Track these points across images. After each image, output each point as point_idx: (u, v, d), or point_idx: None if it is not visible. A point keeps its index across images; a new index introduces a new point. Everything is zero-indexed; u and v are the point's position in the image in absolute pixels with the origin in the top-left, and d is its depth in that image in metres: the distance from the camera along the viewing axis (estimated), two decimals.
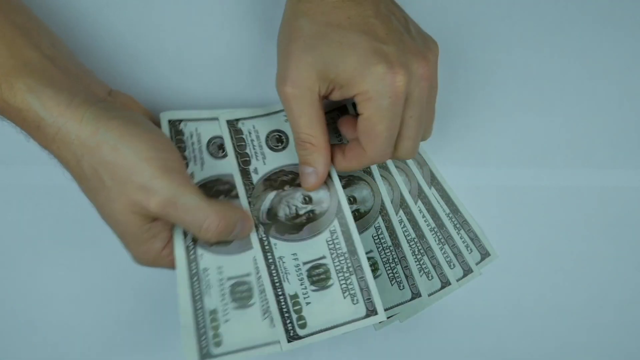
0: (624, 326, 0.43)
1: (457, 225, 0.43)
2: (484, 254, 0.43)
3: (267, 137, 0.39)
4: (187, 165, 0.36)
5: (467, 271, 0.42)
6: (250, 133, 0.38)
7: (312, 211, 0.37)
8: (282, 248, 0.36)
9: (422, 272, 0.42)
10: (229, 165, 0.37)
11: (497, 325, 0.42)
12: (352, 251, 0.36)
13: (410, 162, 0.43)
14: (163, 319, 0.40)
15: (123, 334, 0.41)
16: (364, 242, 0.38)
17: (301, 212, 0.37)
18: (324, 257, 0.36)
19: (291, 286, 0.35)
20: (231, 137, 0.38)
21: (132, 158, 0.30)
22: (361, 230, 0.39)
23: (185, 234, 0.34)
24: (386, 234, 0.42)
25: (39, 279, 0.41)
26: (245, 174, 0.38)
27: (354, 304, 0.35)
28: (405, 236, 0.42)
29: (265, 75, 0.41)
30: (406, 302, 0.41)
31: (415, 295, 0.41)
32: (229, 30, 0.42)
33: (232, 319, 0.34)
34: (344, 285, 0.35)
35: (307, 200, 0.37)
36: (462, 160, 0.43)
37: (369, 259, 0.39)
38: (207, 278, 0.34)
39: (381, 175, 0.42)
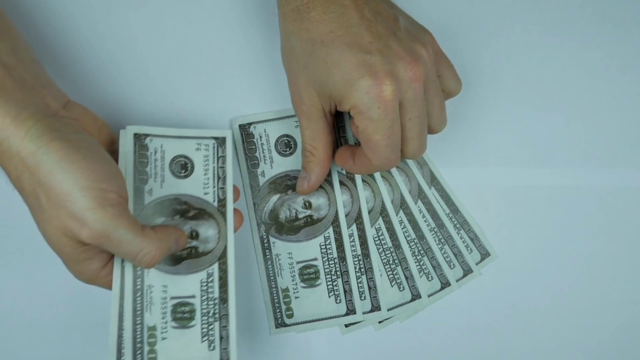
0: (624, 326, 0.43)
1: (457, 226, 0.43)
2: (484, 254, 0.43)
3: (277, 141, 0.41)
4: (146, 181, 0.36)
5: (467, 271, 0.42)
6: (261, 137, 0.41)
7: (310, 216, 0.40)
8: (279, 247, 0.40)
9: (422, 273, 0.42)
10: (189, 186, 0.37)
11: (497, 325, 0.43)
12: (342, 257, 0.40)
13: (410, 162, 0.43)
14: None
15: None
16: (308, 250, 0.40)
17: (300, 215, 0.40)
18: (315, 259, 0.40)
19: (284, 281, 0.40)
20: (242, 141, 0.40)
21: (68, 186, 0.29)
22: (310, 237, 0.40)
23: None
24: (386, 235, 0.42)
25: (39, 279, 0.41)
26: (253, 176, 0.40)
27: (337, 303, 0.39)
28: (405, 237, 0.42)
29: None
30: (406, 303, 0.41)
31: (415, 296, 0.41)
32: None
33: (170, 337, 0.34)
34: (330, 286, 0.40)
35: (307, 205, 0.40)
36: (462, 160, 0.43)
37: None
38: (150, 295, 0.35)
39: (381, 176, 0.42)
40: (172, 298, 0.35)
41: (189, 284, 0.35)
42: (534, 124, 0.43)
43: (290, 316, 0.40)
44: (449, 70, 0.37)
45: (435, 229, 0.42)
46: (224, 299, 0.36)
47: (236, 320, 0.35)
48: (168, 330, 0.35)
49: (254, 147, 0.40)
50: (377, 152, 0.33)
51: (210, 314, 0.35)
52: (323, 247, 0.40)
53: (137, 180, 0.36)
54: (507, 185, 0.43)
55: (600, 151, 0.44)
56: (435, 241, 0.42)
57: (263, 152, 0.40)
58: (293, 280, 0.40)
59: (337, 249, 0.41)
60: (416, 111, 0.33)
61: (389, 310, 0.41)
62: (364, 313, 0.41)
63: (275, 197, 0.41)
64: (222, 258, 0.36)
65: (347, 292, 0.41)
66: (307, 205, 0.40)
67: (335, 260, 0.41)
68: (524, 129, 0.43)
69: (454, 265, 0.42)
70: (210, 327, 0.35)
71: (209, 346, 0.35)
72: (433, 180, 0.43)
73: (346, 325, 0.41)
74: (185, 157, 0.37)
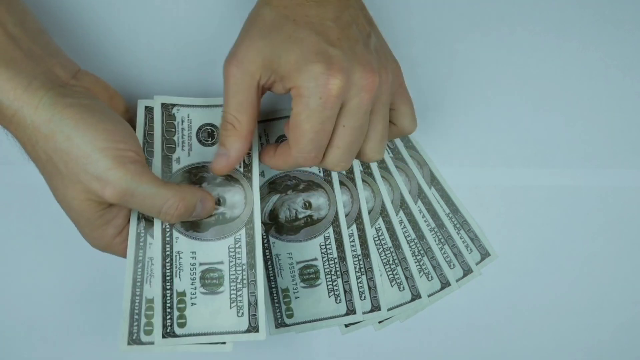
0: (624, 326, 0.43)
1: (457, 225, 0.43)
2: (484, 254, 0.43)
3: (200, 129, 0.38)
4: (174, 150, 0.36)
5: (467, 271, 0.42)
6: (183, 121, 0.38)
7: (310, 216, 0.40)
8: (279, 247, 0.40)
9: (422, 272, 0.42)
10: None
11: (497, 325, 0.43)
12: (342, 257, 0.39)
13: (410, 162, 0.43)
14: None
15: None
16: (308, 250, 0.40)
17: (300, 216, 0.40)
18: (315, 259, 0.40)
19: (284, 281, 0.39)
20: (162, 121, 0.38)
21: (86, 148, 0.30)
22: (309, 237, 0.40)
23: (138, 220, 0.35)
24: (386, 235, 0.42)
25: (39, 278, 0.41)
26: (166, 161, 0.37)
27: (337, 303, 0.39)
28: (405, 237, 0.42)
29: None
30: (406, 303, 0.41)
31: (415, 296, 0.41)
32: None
33: (199, 303, 0.34)
34: (329, 286, 0.39)
35: (307, 205, 0.40)
36: (462, 160, 0.43)
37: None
38: (179, 261, 0.35)
39: (382, 176, 0.42)
40: (201, 264, 0.35)
41: (217, 250, 0.35)
42: (534, 124, 0.43)
43: (290, 316, 0.39)
44: (407, 106, 0.36)
45: (435, 229, 0.42)
46: (251, 265, 0.36)
47: (264, 286, 0.35)
48: (197, 296, 0.35)
49: (173, 129, 0.38)
50: (301, 142, 0.32)
51: (239, 280, 0.36)
52: (323, 247, 0.40)
53: (165, 149, 0.37)
54: (507, 185, 0.43)
55: (600, 151, 0.44)
56: (435, 241, 0.42)
57: (182, 138, 0.38)
58: (293, 281, 0.40)
59: (337, 249, 0.41)
60: (353, 122, 0.32)
61: (389, 310, 0.41)
62: (364, 313, 0.41)
63: (275, 197, 0.40)
64: (249, 224, 0.36)
65: (347, 292, 0.41)
66: (307, 205, 0.40)
67: (335, 260, 0.41)
68: (524, 129, 0.43)
69: (454, 265, 0.42)
70: (239, 293, 0.35)
71: (238, 312, 0.35)
72: (433, 180, 0.43)
73: (346, 325, 0.41)
74: (212, 125, 0.38)
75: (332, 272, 0.40)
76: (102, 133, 0.30)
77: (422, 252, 0.42)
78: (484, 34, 0.43)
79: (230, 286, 0.35)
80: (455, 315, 0.42)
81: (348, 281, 0.40)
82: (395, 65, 0.36)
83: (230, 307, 0.35)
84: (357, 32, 0.33)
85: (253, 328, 0.35)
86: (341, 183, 0.41)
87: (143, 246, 0.35)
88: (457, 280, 0.42)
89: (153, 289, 0.34)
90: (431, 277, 0.42)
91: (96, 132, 0.30)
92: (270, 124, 0.41)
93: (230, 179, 0.37)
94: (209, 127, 0.38)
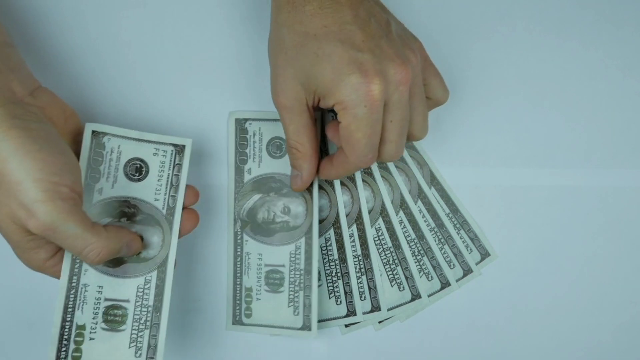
0: (624, 326, 0.43)
1: (457, 225, 0.43)
2: (484, 254, 0.43)
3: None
4: (98, 179, 0.36)
5: (467, 271, 0.42)
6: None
7: (287, 222, 0.40)
8: (251, 246, 0.40)
9: (422, 273, 0.42)
10: (141, 190, 0.37)
11: (497, 325, 0.43)
12: (308, 270, 0.39)
13: (410, 162, 0.43)
14: None
15: None
16: (278, 255, 0.40)
17: (277, 220, 0.40)
18: (283, 266, 0.39)
19: (249, 280, 0.40)
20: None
21: (20, 175, 0.29)
22: (283, 243, 0.40)
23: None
24: (386, 235, 0.42)
25: (39, 279, 0.41)
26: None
27: (295, 315, 0.39)
28: (405, 237, 0.42)
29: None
30: (406, 303, 0.41)
31: (415, 296, 0.41)
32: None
33: (98, 338, 0.35)
34: (291, 296, 0.39)
35: (286, 211, 0.40)
36: (462, 160, 0.43)
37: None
38: (84, 294, 0.35)
39: (381, 176, 0.42)
40: (106, 299, 0.35)
41: (125, 288, 0.36)
42: (534, 124, 0.43)
43: (249, 316, 0.39)
44: (436, 78, 0.37)
45: (435, 229, 0.42)
46: (157, 308, 0.36)
47: (166, 331, 0.35)
48: (97, 331, 0.35)
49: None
50: (356, 149, 0.33)
51: (297, 283, 0.38)
52: (292, 255, 0.39)
53: (88, 178, 0.36)
54: (507, 185, 0.43)
55: (600, 151, 0.44)
56: (435, 241, 0.42)
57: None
58: (258, 282, 0.40)
59: (337, 250, 0.41)
60: (399, 114, 0.33)
61: (388, 310, 0.41)
62: (364, 313, 0.41)
63: (257, 197, 0.40)
64: (162, 267, 0.36)
65: (348, 293, 0.41)
66: (286, 211, 0.40)
67: (336, 262, 0.41)
68: (524, 129, 0.43)
69: (454, 265, 0.42)
70: (140, 334, 0.35)
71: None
72: (433, 180, 0.43)
73: (346, 326, 0.41)
74: (142, 160, 0.37)
75: (296, 283, 0.39)
76: (39, 163, 0.30)
77: (422, 252, 0.42)
78: (483, 34, 0.43)
79: (132, 326, 0.35)
80: (455, 315, 0.42)
81: (349, 282, 0.40)
82: (417, 43, 0.36)
83: (129, 347, 0.35)
84: (377, 25, 0.33)
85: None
86: (342, 183, 0.41)
87: (78, 272, 0.35)
88: (457, 280, 0.42)
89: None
90: (431, 277, 0.42)
91: (34, 160, 0.29)
92: (266, 124, 0.41)
93: (150, 219, 0.37)
94: (137, 162, 0.37)
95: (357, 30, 0.32)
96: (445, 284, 0.42)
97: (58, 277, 0.34)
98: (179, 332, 0.41)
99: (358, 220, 0.41)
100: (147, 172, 0.37)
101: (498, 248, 0.43)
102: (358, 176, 0.42)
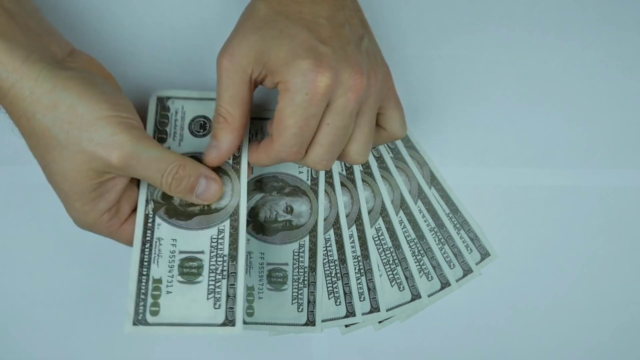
0: (624, 326, 0.43)
1: (457, 225, 0.43)
2: (484, 254, 0.43)
3: (192, 120, 0.38)
4: (165, 140, 0.37)
5: (467, 271, 0.42)
6: (176, 112, 0.38)
7: (289, 221, 0.40)
8: (253, 245, 0.40)
9: (422, 273, 0.42)
10: (207, 143, 0.36)
11: (497, 325, 0.43)
12: (313, 267, 0.39)
13: (410, 162, 0.43)
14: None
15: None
16: (281, 254, 0.40)
17: (280, 219, 0.40)
18: (286, 264, 0.40)
19: (251, 279, 0.39)
20: (156, 112, 0.38)
21: (90, 117, 0.30)
22: (285, 242, 0.40)
23: (146, 202, 0.35)
24: (386, 235, 0.42)
25: (40, 278, 0.41)
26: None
27: (299, 311, 0.39)
28: (405, 237, 0.42)
29: None
30: (406, 303, 0.41)
31: (415, 296, 0.41)
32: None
33: (175, 291, 0.34)
34: (294, 293, 0.39)
35: (289, 210, 0.40)
36: (462, 160, 0.43)
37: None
38: (159, 247, 0.35)
39: (381, 176, 0.42)
40: (181, 252, 0.35)
41: (199, 240, 0.35)
42: (534, 124, 0.43)
43: (251, 315, 0.39)
44: (396, 111, 0.36)
45: (435, 229, 0.42)
46: (233, 257, 0.35)
47: (244, 279, 0.35)
48: (174, 284, 0.34)
49: (166, 120, 0.38)
50: (283, 136, 0.32)
51: (300, 280, 0.39)
52: (296, 254, 0.40)
53: (155, 139, 0.37)
54: (507, 185, 0.43)
55: (600, 151, 0.44)
56: (435, 241, 0.42)
57: (174, 129, 0.38)
58: (260, 281, 0.40)
59: (337, 250, 0.41)
60: (338, 121, 0.32)
61: (388, 310, 0.41)
62: (363, 314, 0.41)
63: (258, 196, 0.40)
64: (234, 215, 0.36)
65: (347, 294, 0.41)
66: (289, 209, 0.40)
67: (336, 263, 0.41)
68: (524, 129, 0.43)
69: (454, 265, 0.42)
70: (218, 284, 0.35)
71: (215, 304, 0.34)
72: (433, 180, 0.43)
73: (346, 326, 0.41)
74: (205, 117, 0.38)
75: (300, 280, 0.40)
76: (105, 103, 0.31)
77: (422, 252, 0.42)
78: (483, 34, 0.43)
79: (209, 277, 0.35)
80: (455, 315, 0.42)
81: (348, 283, 0.40)
82: (385, 69, 0.35)
83: (207, 299, 0.34)
84: (350, 33, 0.33)
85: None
86: (342, 184, 0.41)
87: (151, 226, 0.35)
88: (457, 280, 0.42)
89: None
90: (431, 277, 0.42)
91: (99, 101, 0.30)
92: (190, 102, 0.40)
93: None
94: (201, 119, 0.38)
95: (327, 26, 0.32)
96: (445, 284, 0.42)
97: (108, 234, 0.34)
98: None
99: (358, 221, 0.41)
100: (210, 127, 0.38)
101: (498, 248, 0.43)
102: (358, 177, 0.42)
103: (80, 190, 0.32)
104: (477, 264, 0.43)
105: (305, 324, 0.40)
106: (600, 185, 0.43)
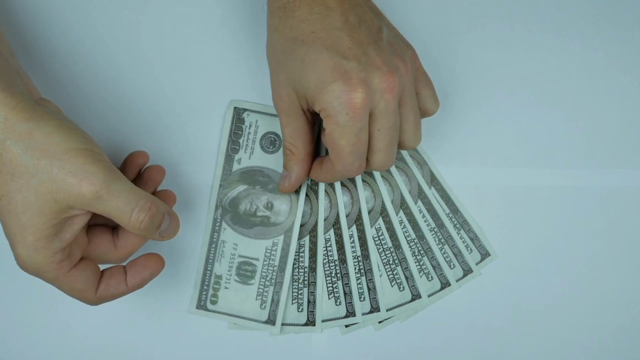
0: (624, 326, 0.43)
1: (457, 226, 0.43)
2: (484, 254, 0.43)
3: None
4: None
5: (467, 271, 0.42)
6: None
7: (267, 217, 0.41)
8: (228, 234, 0.41)
9: (422, 272, 0.42)
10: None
11: (497, 325, 0.43)
12: (282, 268, 0.41)
13: (410, 162, 0.43)
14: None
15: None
16: (254, 248, 0.41)
17: (259, 213, 0.41)
18: (257, 260, 0.41)
19: (221, 268, 0.41)
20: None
21: (66, 145, 0.30)
22: (259, 237, 0.41)
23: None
24: (387, 235, 0.42)
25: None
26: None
27: (262, 308, 0.40)
28: (405, 237, 0.42)
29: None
30: (406, 303, 0.41)
31: (415, 296, 0.41)
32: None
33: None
34: (260, 290, 0.41)
35: (269, 206, 0.41)
36: (462, 160, 0.43)
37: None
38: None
39: (382, 176, 0.42)
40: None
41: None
42: (534, 124, 0.43)
43: (214, 303, 0.40)
44: (427, 89, 0.37)
45: (435, 229, 0.42)
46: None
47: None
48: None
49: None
50: (341, 157, 0.33)
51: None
52: (268, 251, 0.40)
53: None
54: (507, 185, 0.43)
55: (600, 151, 0.44)
56: (435, 241, 0.42)
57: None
58: (229, 271, 0.41)
59: (337, 250, 0.41)
60: (386, 123, 0.33)
61: (388, 310, 0.41)
62: (363, 314, 0.41)
63: (242, 187, 0.41)
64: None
65: (347, 294, 0.41)
66: (269, 206, 0.41)
67: (336, 263, 0.41)
68: (524, 129, 0.43)
69: (454, 265, 0.42)
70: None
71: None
72: (433, 180, 0.43)
73: (346, 326, 0.41)
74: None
75: (267, 278, 0.40)
76: (80, 137, 0.31)
77: (422, 252, 0.42)
78: (483, 34, 0.43)
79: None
80: (455, 315, 0.42)
81: (348, 283, 0.40)
82: (411, 51, 0.36)
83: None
84: (367, 32, 0.33)
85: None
86: (342, 184, 0.41)
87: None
88: (457, 280, 0.42)
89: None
90: (431, 277, 0.42)
91: (74, 134, 0.30)
92: (263, 117, 0.41)
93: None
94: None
95: (344, 37, 0.32)
96: (445, 284, 0.42)
97: (54, 278, 0.32)
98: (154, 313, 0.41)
99: (358, 221, 0.41)
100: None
101: (498, 248, 0.43)
102: (358, 177, 0.42)
103: (39, 223, 0.30)
104: (477, 264, 0.43)
105: (305, 324, 0.40)
106: (600, 185, 0.43)
